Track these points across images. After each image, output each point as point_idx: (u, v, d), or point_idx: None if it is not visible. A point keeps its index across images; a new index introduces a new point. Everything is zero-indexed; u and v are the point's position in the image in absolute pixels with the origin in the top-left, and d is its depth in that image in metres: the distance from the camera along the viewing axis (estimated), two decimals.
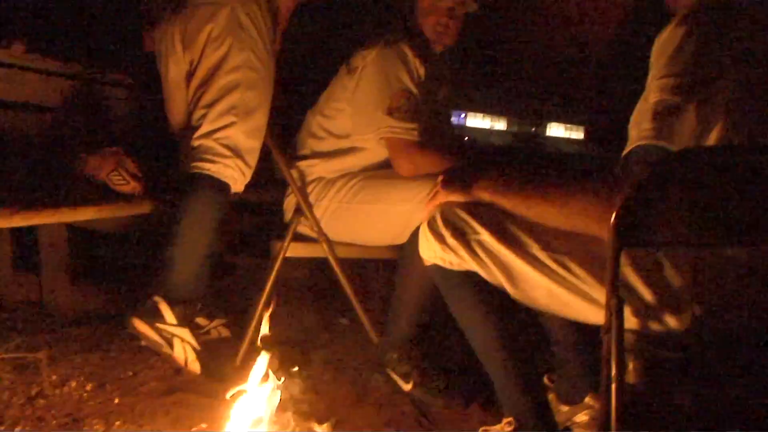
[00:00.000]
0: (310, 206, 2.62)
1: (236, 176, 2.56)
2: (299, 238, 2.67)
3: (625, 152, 1.55)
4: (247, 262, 3.87)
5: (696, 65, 1.52)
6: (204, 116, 2.55)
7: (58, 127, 2.89)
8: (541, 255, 1.69)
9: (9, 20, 2.98)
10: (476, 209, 1.81)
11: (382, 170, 2.62)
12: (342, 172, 2.65)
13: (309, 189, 2.66)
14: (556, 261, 1.67)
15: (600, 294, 1.61)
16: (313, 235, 2.64)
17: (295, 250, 2.65)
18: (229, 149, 2.54)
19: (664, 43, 1.58)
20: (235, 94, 2.54)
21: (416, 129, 2.51)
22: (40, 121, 2.89)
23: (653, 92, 1.54)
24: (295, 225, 2.63)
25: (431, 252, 1.88)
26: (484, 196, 1.80)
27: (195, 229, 2.51)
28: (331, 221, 2.62)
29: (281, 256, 2.62)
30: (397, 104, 2.49)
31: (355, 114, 2.62)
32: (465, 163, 2.46)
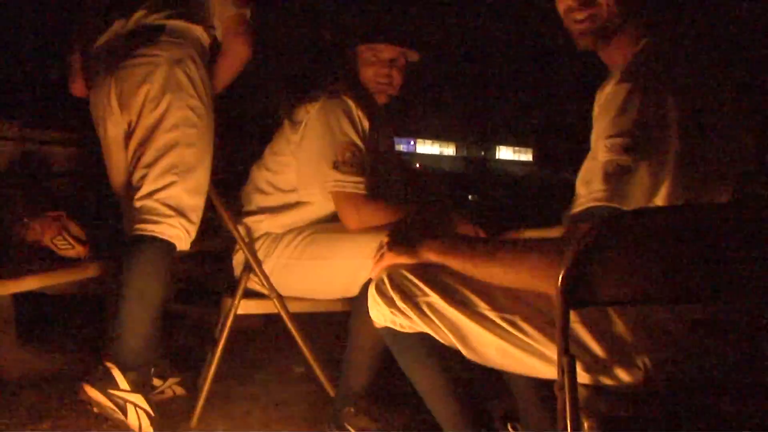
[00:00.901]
0: (259, 263, 2.59)
1: (181, 235, 2.53)
2: (250, 293, 2.63)
3: (574, 211, 1.54)
4: (196, 311, 3.83)
5: (642, 123, 1.51)
6: (144, 177, 2.52)
7: None
8: (491, 314, 1.67)
9: None
10: (424, 270, 1.78)
11: (330, 224, 2.61)
12: (290, 226, 2.62)
13: (257, 245, 2.63)
14: (505, 320, 1.66)
15: (552, 351, 1.60)
16: (264, 291, 2.61)
17: (246, 307, 2.62)
18: (172, 209, 2.50)
19: (608, 100, 1.58)
20: (175, 153, 2.51)
21: (362, 182, 2.51)
22: None
23: (602, 151, 1.53)
24: (245, 281, 2.59)
25: (381, 315, 1.84)
26: (431, 257, 1.78)
27: (142, 293, 2.45)
28: (281, 276, 2.59)
29: (232, 314, 2.58)
30: (343, 157, 2.49)
31: (300, 168, 2.61)
32: (412, 216, 2.47)
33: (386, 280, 1.80)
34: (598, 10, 1.72)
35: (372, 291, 1.84)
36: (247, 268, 2.60)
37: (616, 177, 1.50)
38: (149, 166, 2.51)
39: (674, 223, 1.39)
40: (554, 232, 2.05)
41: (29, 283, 2.41)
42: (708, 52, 1.71)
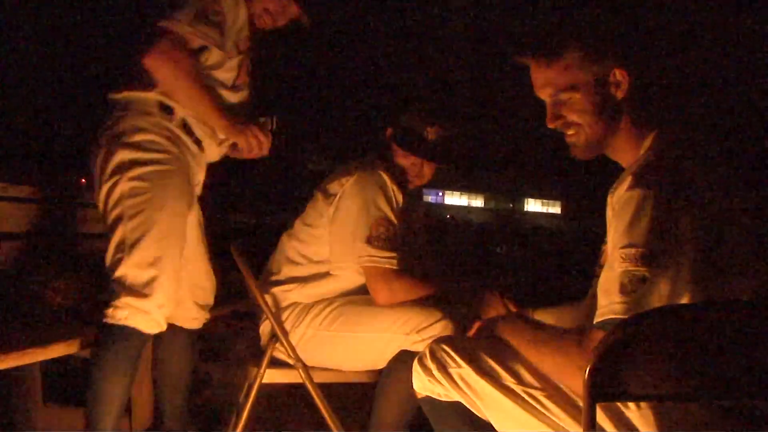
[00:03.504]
0: (285, 333, 2.60)
1: (138, 319, 2.37)
2: (275, 362, 2.64)
3: (596, 321, 1.56)
4: (222, 370, 3.83)
5: (657, 233, 1.51)
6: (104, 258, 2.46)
7: (20, 255, 2.85)
8: (517, 388, 1.75)
9: None
10: (460, 343, 1.90)
11: (360, 297, 2.63)
12: (319, 297, 2.64)
13: (285, 314, 2.64)
14: (529, 395, 1.73)
15: (571, 427, 1.68)
16: (290, 360, 2.61)
17: (271, 377, 2.62)
18: (122, 288, 2.37)
19: (621, 207, 1.58)
20: (119, 229, 2.40)
21: (395, 257, 2.54)
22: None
23: (617, 261, 1.54)
24: (271, 351, 2.60)
25: (421, 385, 1.93)
26: (502, 333, 1.86)
27: (113, 385, 2.39)
28: (308, 347, 2.60)
29: (258, 383, 2.59)
30: (377, 233, 2.51)
31: (333, 241, 2.63)
32: (443, 290, 2.51)
33: (427, 353, 1.91)
34: (579, 129, 1.75)
35: (415, 363, 1.94)
36: (274, 337, 2.61)
37: (633, 288, 1.51)
38: (107, 248, 2.44)
39: (698, 321, 1.40)
40: (568, 312, 2.10)
41: (55, 351, 2.40)
42: (717, 147, 1.72)
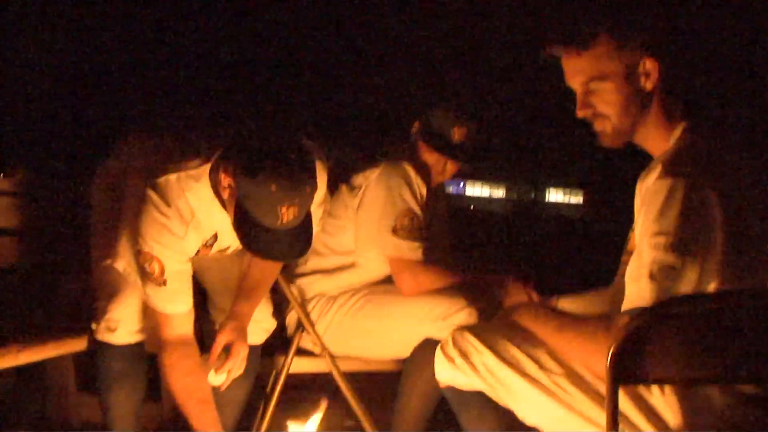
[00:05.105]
0: (311, 323, 2.65)
1: (108, 334, 2.39)
2: (302, 352, 2.69)
3: (624, 309, 1.57)
4: None
5: (686, 222, 1.52)
6: None
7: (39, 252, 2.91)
8: (538, 374, 1.77)
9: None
10: (482, 331, 1.92)
11: (384, 286, 2.67)
12: (344, 287, 2.68)
13: (311, 305, 2.69)
14: (551, 380, 1.76)
15: (594, 413, 1.70)
16: (316, 349, 2.66)
17: (298, 366, 2.68)
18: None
19: (650, 195, 1.59)
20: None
21: (420, 248, 2.57)
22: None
23: (647, 250, 1.55)
24: (298, 340, 2.65)
25: (444, 373, 1.95)
26: (524, 321, 1.89)
27: (113, 394, 2.45)
28: (334, 336, 2.65)
29: (285, 372, 2.64)
30: (401, 224, 2.55)
31: (358, 232, 2.66)
32: (468, 280, 2.55)
33: (450, 342, 1.93)
34: (608, 118, 1.75)
35: (438, 352, 1.96)
36: (300, 327, 2.66)
37: (661, 276, 1.52)
38: None
39: (721, 307, 1.42)
40: (592, 300, 2.11)
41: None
42: (747, 138, 1.73)
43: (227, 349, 2.25)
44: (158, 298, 2.18)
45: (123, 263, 2.30)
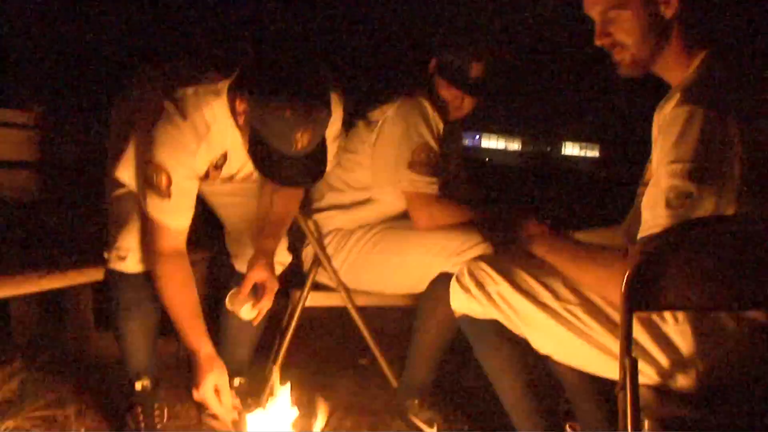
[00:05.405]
0: (328, 258, 2.67)
1: (119, 263, 2.39)
2: (318, 287, 2.73)
3: (641, 236, 1.58)
4: None
5: (704, 148, 1.51)
6: None
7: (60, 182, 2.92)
8: (554, 304, 1.80)
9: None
10: (498, 261, 1.94)
11: (400, 221, 2.68)
12: (360, 223, 2.70)
13: (327, 240, 2.71)
14: (567, 310, 1.79)
15: (608, 341, 1.73)
16: (332, 284, 2.69)
17: (314, 300, 2.71)
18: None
19: (668, 123, 1.57)
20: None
21: (436, 183, 2.58)
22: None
23: (664, 177, 1.55)
24: (314, 275, 2.69)
25: (459, 303, 2.00)
26: (537, 250, 1.92)
27: (125, 322, 2.46)
28: (350, 271, 2.67)
29: (300, 306, 2.68)
30: (418, 158, 2.55)
31: (375, 167, 2.67)
32: (483, 216, 2.56)
33: (465, 271, 1.96)
34: (626, 47, 1.73)
35: (453, 281, 2.01)
36: (316, 261, 2.68)
37: (678, 203, 1.52)
38: None
39: (737, 232, 1.42)
40: (604, 234, 2.13)
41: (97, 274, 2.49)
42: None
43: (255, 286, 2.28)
44: (160, 210, 2.18)
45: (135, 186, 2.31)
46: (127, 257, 2.37)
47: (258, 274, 2.27)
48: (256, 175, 2.40)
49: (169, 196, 2.15)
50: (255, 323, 2.32)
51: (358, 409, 2.77)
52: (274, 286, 2.30)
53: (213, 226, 2.72)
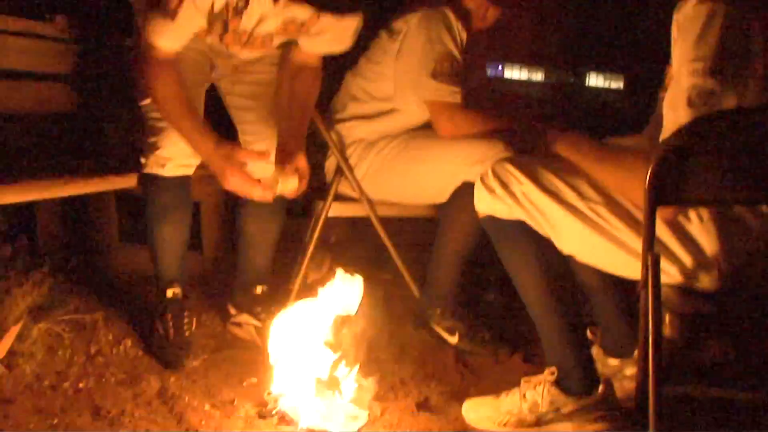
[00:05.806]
0: (350, 168, 2.67)
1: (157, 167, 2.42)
2: (340, 197, 2.74)
3: (663, 137, 1.57)
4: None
5: (725, 46, 1.50)
6: None
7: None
8: (579, 203, 1.80)
9: None
10: (522, 161, 1.94)
11: (423, 131, 2.68)
12: (383, 133, 2.69)
13: (350, 151, 2.71)
14: (591, 209, 1.78)
15: (631, 240, 1.72)
16: (354, 195, 2.70)
17: (336, 210, 2.73)
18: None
19: (688, 21, 1.55)
20: None
21: (458, 92, 2.56)
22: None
23: (685, 76, 1.53)
24: (337, 185, 2.69)
25: (484, 204, 1.99)
26: (560, 149, 1.91)
27: (161, 226, 2.48)
28: (372, 181, 2.68)
29: (323, 216, 2.69)
30: (441, 67, 2.53)
31: (397, 77, 2.64)
32: (506, 124, 2.54)
33: (490, 172, 1.96)
34: None
35: (478, 183, 2.00)
36: (339, 172, 2.69)
37: (700, 101, 1.51)
38: None
39: (760, 124, 1.41)
40: (629, 141, 2.12)
41: (130, 180, 2.50)
42: None
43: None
44: (159, 27, 2.13)
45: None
46: (166, 164, 2.40)
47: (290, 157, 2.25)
48: (276, 40, 2.39)
49: (173, 18, 2.09)
50: (291, 196, 2.29)
51: (380, 320, 2.80)
52: (306, 165, 2.28)
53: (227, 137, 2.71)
